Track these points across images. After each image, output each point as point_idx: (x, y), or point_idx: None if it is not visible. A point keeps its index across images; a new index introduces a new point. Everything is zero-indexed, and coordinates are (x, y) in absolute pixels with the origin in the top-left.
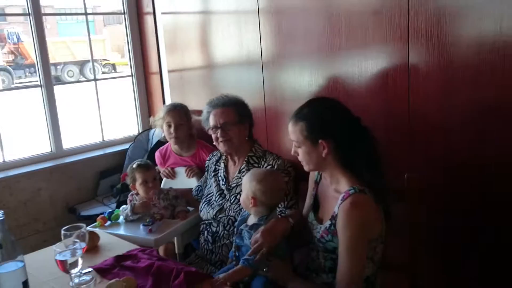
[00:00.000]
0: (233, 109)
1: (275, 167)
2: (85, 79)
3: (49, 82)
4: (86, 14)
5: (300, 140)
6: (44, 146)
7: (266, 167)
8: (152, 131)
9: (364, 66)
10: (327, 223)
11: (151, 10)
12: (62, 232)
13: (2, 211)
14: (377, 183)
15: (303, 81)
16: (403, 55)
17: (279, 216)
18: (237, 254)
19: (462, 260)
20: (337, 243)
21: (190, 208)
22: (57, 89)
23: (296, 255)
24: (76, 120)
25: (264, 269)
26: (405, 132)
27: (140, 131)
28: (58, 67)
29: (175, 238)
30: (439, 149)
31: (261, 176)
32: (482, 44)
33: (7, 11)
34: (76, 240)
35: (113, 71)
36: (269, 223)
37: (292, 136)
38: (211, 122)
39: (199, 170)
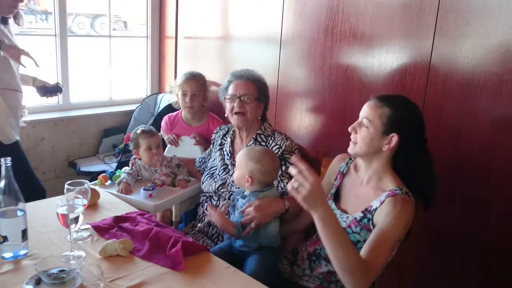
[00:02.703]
0: (256, 85)
1: (283, 147)
2: (96, 34)
3: (64, 32)
4: None
5: (375, 122)
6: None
7: (273, 146)
8: (160, 95)
9: (384, 58)
10: (358, 215)
11: None
12: (66, 186)
13: (10, 158)
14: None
15: (319, 64)
16: (426, 52)
17: (279, 190)
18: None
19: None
20: (364, 236)
21: (191, 178)
22: (70, 40)
23: (289, 241)
24: (84, 75)
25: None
26: None
27: (148, 94)
28: (69, 17)
29: (173, 206)
30: (449, 150)
31: (259, 156)
32: (510, 53)
33: None
34: (78, 196)
35: (124, 28)
36: (265, 201)
37: (367, 114)
38: (231, 91)
39: (204, 141)
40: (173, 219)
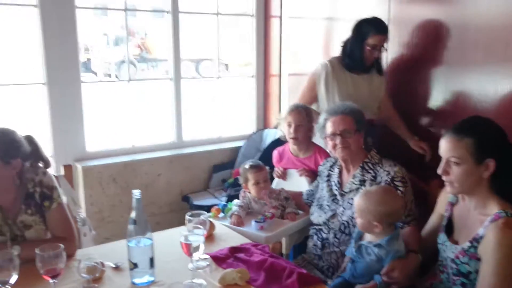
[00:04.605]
0: (352, 117)
1: (392, 173)
2: (199, 76)
3: (178, 76)
4: (217, 14)
5: (464, 157)
6: (164, 135)
7: (382, 173)
8: (265, 131)
9: (501, 84)
10: (466, 244)
11: (278, 13)
12: (187, 217)
13: (139, 191)
14: None
15: (427, 94)
16: None
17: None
18: (350, 266)
19: None
20: (474, 267)
21: (299, 211)
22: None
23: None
24: (190, 115)
25: None
26: None
27: (254, 131)
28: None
29: (283, 239)
30: None
31: (381, 198)
32: None
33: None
34: (199, 226)
35: (226, 70)
36: (405, 262)
37: (451, 152)
38: (329, 129)
39: (311, 173)
40: (283, 252)
